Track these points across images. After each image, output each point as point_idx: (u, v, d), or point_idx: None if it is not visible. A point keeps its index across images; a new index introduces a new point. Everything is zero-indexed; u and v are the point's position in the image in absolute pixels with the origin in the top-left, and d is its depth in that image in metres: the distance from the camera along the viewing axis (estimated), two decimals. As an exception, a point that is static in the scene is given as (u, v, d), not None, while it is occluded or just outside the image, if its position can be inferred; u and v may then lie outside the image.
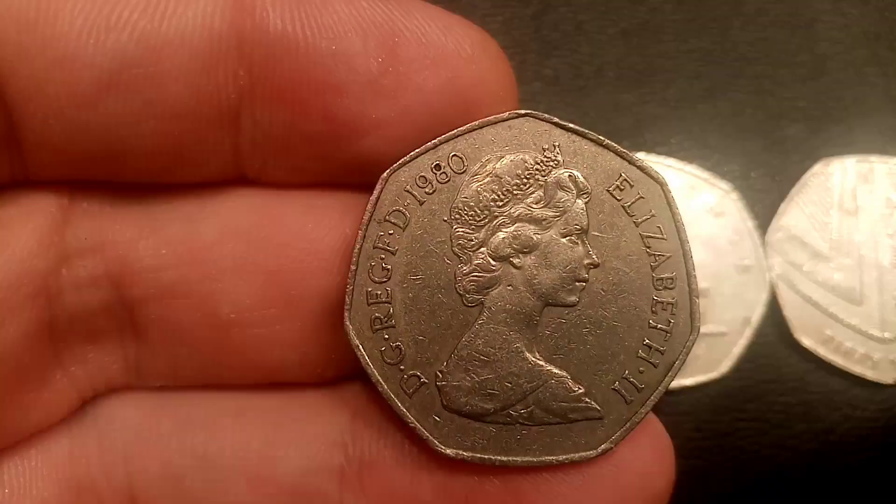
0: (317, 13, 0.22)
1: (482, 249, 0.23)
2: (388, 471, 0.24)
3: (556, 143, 0.23)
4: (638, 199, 0.23)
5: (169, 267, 0.24)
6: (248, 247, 0.24)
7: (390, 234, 0.23)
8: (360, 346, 0.22)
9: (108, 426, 0.25)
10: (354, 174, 0.23)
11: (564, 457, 0.22)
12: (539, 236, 0.23)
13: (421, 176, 0.23)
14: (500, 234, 0.23)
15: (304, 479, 0.24)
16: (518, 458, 0.22)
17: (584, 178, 0.23)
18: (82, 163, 0.22)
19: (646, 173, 0.23)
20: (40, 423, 0.24)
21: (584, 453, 0.22)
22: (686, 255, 0.23)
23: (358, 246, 0.23)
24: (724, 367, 0.34)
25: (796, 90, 0.37)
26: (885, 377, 0.34)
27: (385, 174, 0.23)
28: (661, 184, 0.23)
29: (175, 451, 0.24)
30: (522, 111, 0.23)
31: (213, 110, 0.22)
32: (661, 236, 0.23)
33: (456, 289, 0.23)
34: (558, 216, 0.23)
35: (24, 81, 0.21)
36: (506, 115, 0.23)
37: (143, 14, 0.21)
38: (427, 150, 0.23)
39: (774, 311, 0.34)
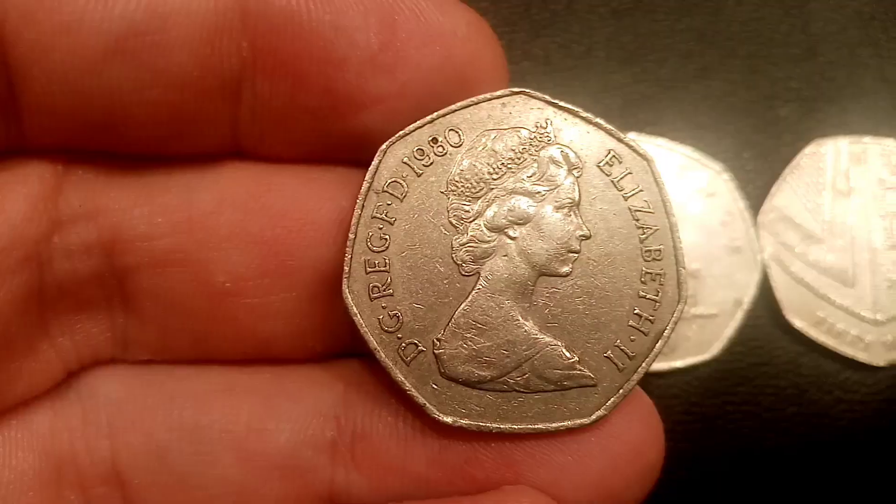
0: None
1: (478, 221, 0.23)
2: (380, 443, 0.24)
3: (549, 120, 0.24)
4: (626, 174, 0.24)
5: (164, 235, 0.24)
6: (244, 216, 0.24)
7: (388, 204, 0.23)
8: (358, 315, 0.23)
9: (92, 399, 0.25)
10: (352, 148, 0.24)
11: (559, 424, 0.23)
12: (533, 209, 0.24)
13: (418, 149, 0.23)
14: (496, 206, 0.23)
15: (294, 452, 0.24)
16: (514, 426, 0.23)
17: (575, 153, 0.24)
18: (82, 130, 0.22)
19: (633, 150, 0.24)
20: (24, 393, 0.24)
21: (578, 420, 0.23)
22: (672, 228, 0.24)
23: (357, 214, 0.23)
24: (714, 349, 0.34)
25: (789, 70, 0.36)
26: (877, 359, 0.34)
27: (384, 146, 0.23)
28: (649, 160, 0.24)
29: (161, 424, 0.24)
30: (517, 89, 0.24)
31: (216, 80, 0.22)
32: (648, 210, 0.24)
33: (453, 258, 0.23)
34: (551, 190, 0.24)
35: (29, 46, 0.21)
36: (501, 92, 0.24)
37: None
38: (425, 125, 0.23)
39: (766, 293, 0.34)
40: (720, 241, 0.34)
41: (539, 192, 0.24)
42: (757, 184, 0.35)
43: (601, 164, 0.24)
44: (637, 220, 0.24)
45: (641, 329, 0.23)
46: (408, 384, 0.23)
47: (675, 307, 0.23)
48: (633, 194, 0.24)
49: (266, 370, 0.25)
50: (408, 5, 0.22)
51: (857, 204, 0.35)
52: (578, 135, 0.24)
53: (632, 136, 0.34)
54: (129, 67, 0.21)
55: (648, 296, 0.23)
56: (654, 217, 0.24)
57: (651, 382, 0.34)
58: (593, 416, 0.23)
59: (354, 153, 0.24)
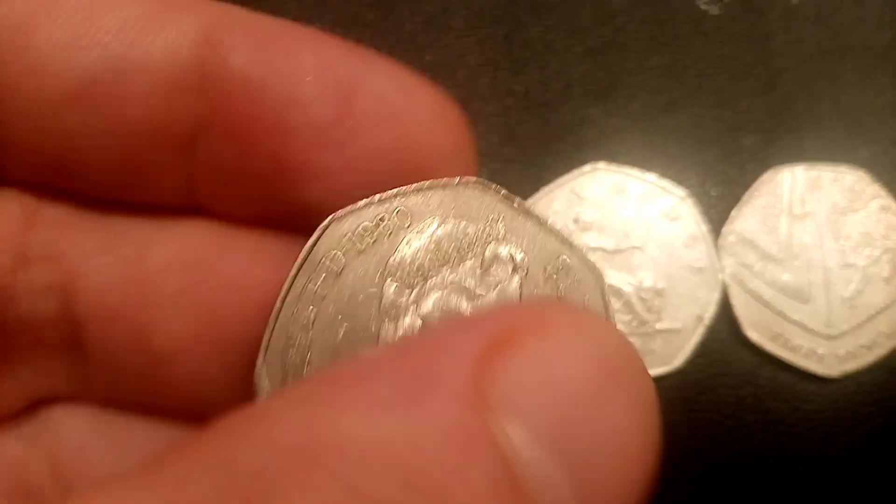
0: (281, 58, 0.22)
1: (412, 311, 0.22)
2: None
3: (501, 215, 0.23)
4: (573, 282, 0.23)
5: (114, 288, 0.24)
6: (190, 280, 0.24)
7: (322, 279, 0.22)
8: (267, 391, 0.22)
9: (52, 439, 0.25)
10: (302, 217, 0.23)
11: None
12: (467, 305, 0.23)
13: (363, 226, 0.22)
14: (431, 300, 0.22)
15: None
16: None
17: (522, 254, 0.23)
18: (47, 167, 0.23)
19: (584, 262, 0.23)
20: None
21: None
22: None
23: (286, 288, 0.22)
24: (678, 360, 0.37)
25: (752, 103, 0.39)
26: (831, 371, 0.36)
27: (326, 221, 0.22)
28: (597, 276, 0.23)
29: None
30: (473, 178, 0.23)
31: (169, 136, 0.23)
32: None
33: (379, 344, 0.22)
34: (491, 289, 0.22)
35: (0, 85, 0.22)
36: (456, 180, 0.23)
37: (114, 37, 0.22)
38: (372, 204, 0.22)
39: (726, 309, 0.37)
40: (684, 262, 0.37)
41: (477, 291, 0.22)
42: (719, 209, 0.38)
43: (549, 268, 0.23)
44: None
45: None
46: None
47: None
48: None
49: None
50: (370, 83, 0.23)
51: (812, 227, 0.38)
52: (529, 235, 0.23)
53: (602, 165, 0.38)
54: (85, 113, 0.22)
55: None
56: None
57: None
58: None
59: (305, 222, 0.23)
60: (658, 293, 0.37)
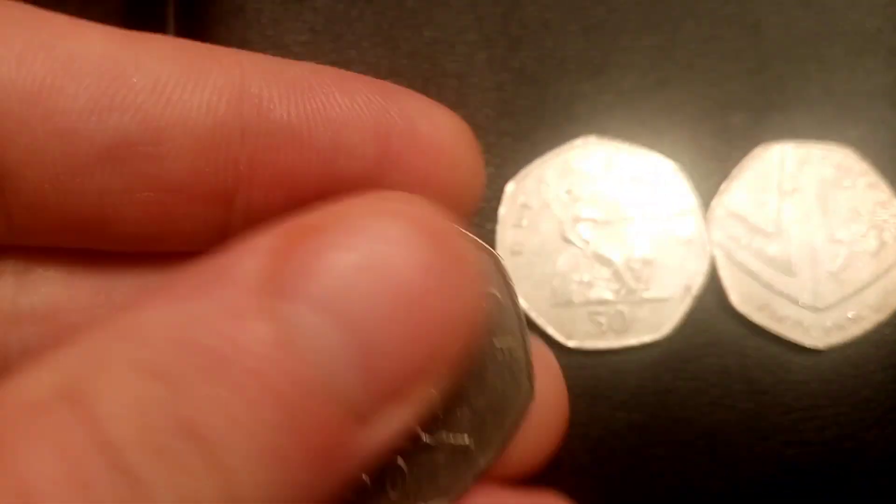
0: (320, 106, 0.23)
1: None
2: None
3: None
4: None
5: None
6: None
7: None
8: None
9: None
10: None
11: None
12: None
13: None
14: None
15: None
16: None
17: None
18: (71, 226, 0.22)
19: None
20: None
21: None
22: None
23: None
24: (665, 329, 0.37)
25: (743, 83, 0.40)
26: (817, 343, 0.37)
27: None
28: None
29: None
30: None
31: (209, 190, 0.22)
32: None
33: None
34: None
35: (23, 149, 0.21)
36: None
37: (148, 97, 0.21)
38: None
39: (714, 280, 0.38)
40: (673, 234, 0.38)
41: None
42: (709, 183, 0.39)
43: None
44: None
45: None
46: None
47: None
48: None
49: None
50: (402, 120, 0.23)
51: (800, 202, 0.38)
52: None
53: (594, 139, 0.39)
54: (120, 173, 0.21)
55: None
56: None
57: (607, 359, 0.38)
58: None
59: None
60: (647, 263, 0.38)
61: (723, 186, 0.38)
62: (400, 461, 0.23)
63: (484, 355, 0.23)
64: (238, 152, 0.22)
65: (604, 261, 0.38)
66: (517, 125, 0.40)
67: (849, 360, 0.37)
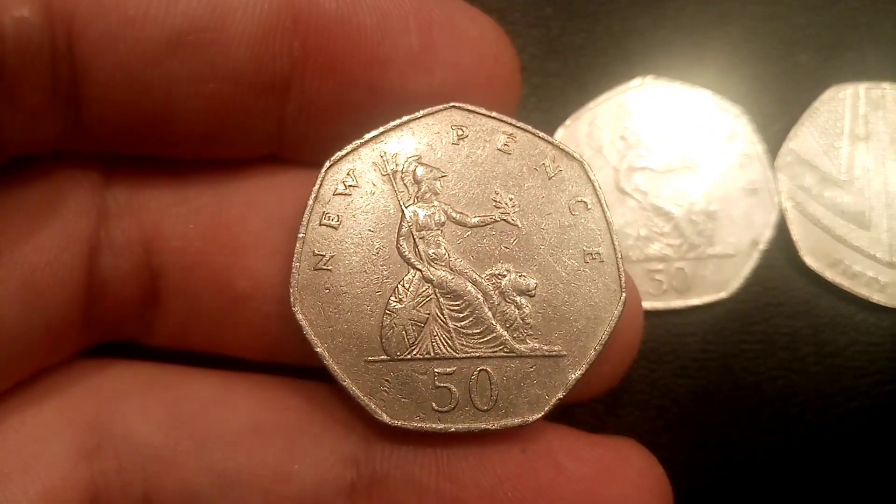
0: None
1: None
2: (396, 488, 0.24)
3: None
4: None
5: (194, 238, 0.25)
6: (268, 225, 0.26)
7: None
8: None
9: (126, 446, 0.25)
10: None
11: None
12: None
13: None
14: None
15: (316, 494, 0.25)
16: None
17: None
18: (137, 122, 0.24)
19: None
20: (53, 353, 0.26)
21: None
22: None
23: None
24: (731, 288, 0.34)
25: (809, 17, 0.37)
26: (893, 301, 0.34)
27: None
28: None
29: (192, 469, 0.25)
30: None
31: (268, 77, 0.24)
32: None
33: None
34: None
35: (97, 37, 0.22)
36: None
37: None
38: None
39: (783, 234, 0.35)
40: (738, 183, 0.35)
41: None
42: (775, 128, 0.35)
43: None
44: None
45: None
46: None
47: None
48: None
49: (291, 411, 0.26)
50: (442, 12, 0.25)
51: (874, 148, 0.35)
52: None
53: (651, 79, 0.35)
54: (188, 61, 0.23)
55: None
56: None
57: (667, 320, 0.34)
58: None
59: None
60: (710, 216, 0.34)
61: (791, 132, 0.35)
62: (487, 368, 0.24)
63: (573, 260, 0.24)
64: (292, 37, 0.24)
65: (662, 213, 0.35)
66: (564, 65, 0.36)
67: (927, 319, 0.34)
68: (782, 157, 0.35)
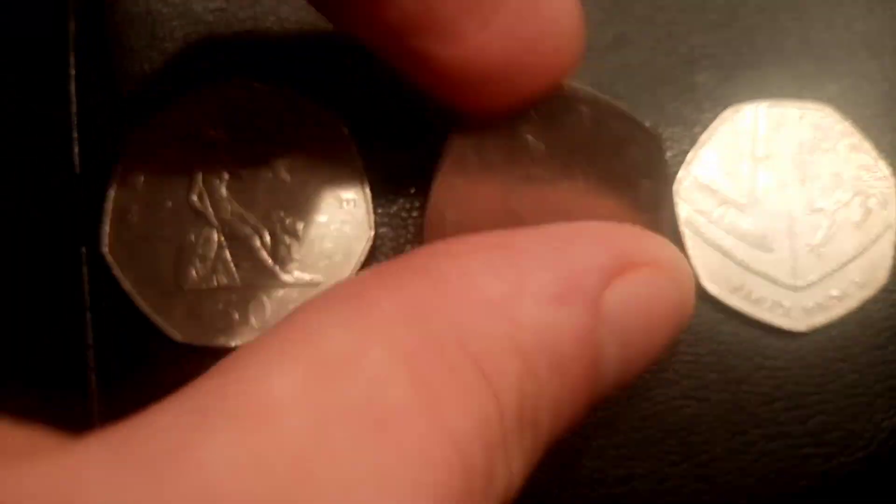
0: None
1: None
2: None
3: None
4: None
5: None
6: None
7: None
8: None
9: None
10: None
11: None
12: None
13: None
14: None
15: None
16: None
17: None
18: None
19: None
20: None
21: None
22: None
23: None
24: (630, 317, 0.33)
25: (708, 37, 0.36)
26: (798, 325, 0.33)
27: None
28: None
29: None
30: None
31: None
32: None
33: None
34: None
35: None
36: None
37: None
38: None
39: (682, 260, 0.34)
40: (636, 209, 0.34)
41: None
42: (674, 151, 0.35)
43: None
44: None
45: None
46: None
47: None
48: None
49: None
50: None
51: (775, 169, 0.34)
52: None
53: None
54: None
55: None
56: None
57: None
58: None
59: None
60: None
61: (689, 155, 0.34)
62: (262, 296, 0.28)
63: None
64: None
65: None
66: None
67: (833, 342, 0.34)
68: (680, 181, 0.34)
